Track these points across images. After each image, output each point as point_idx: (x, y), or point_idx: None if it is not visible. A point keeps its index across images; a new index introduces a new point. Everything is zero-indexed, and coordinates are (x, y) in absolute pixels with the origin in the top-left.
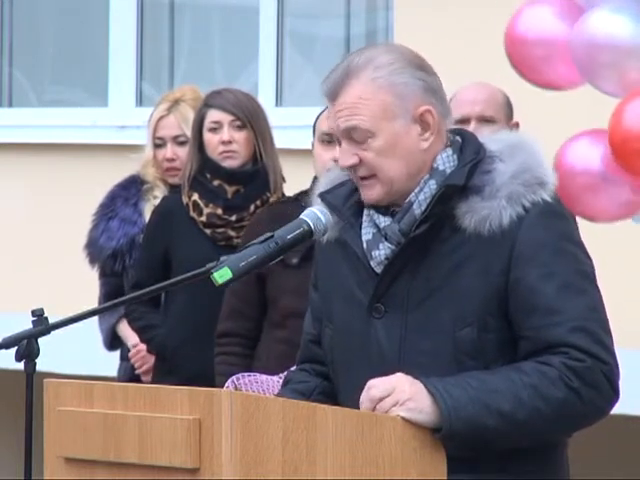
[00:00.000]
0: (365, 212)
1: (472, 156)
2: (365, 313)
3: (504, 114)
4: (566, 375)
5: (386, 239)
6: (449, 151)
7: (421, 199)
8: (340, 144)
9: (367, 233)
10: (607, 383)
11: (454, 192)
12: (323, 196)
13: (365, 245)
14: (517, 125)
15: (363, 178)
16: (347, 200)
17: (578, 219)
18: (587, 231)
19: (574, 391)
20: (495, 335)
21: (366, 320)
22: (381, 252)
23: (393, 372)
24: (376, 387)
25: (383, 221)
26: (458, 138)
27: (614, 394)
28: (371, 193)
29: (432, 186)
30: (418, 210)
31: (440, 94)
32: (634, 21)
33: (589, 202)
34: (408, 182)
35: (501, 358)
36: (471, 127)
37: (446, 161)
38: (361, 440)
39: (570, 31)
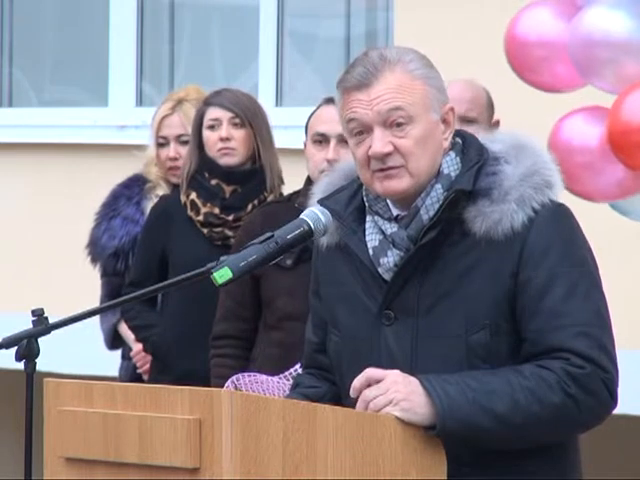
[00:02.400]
0: (368, 218)
1: (476, 158)
2: (373, 320)
3: (487, 115)
4: (564, 381)
5: (394, 246)
6: (452, 154)
7: (428, 204)
8: (359, 134)
9: (373, 240)
10: (606, 391)
11: (461, 196)
12: (322, 202)
13: (371, 252)
14: (498, 123)
15: (390, 168)
16: (348, 206)
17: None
18: (588, 231)
19: (571, 397)
20: (508, 338)
21: (375, 327)
22: (389, 259)
23: None
24: (370, 389)
25: (389, 227)
26: (458, 139)
27: (612, 402)
28: (397, 183)
29: (438, 190)
30: (426, 215)
31: None
32: (630, 17)
33: (588, 181)
34: (429, 178)
35: (512, 361)
36: None
37: (450, 164)
38: (361, 440)
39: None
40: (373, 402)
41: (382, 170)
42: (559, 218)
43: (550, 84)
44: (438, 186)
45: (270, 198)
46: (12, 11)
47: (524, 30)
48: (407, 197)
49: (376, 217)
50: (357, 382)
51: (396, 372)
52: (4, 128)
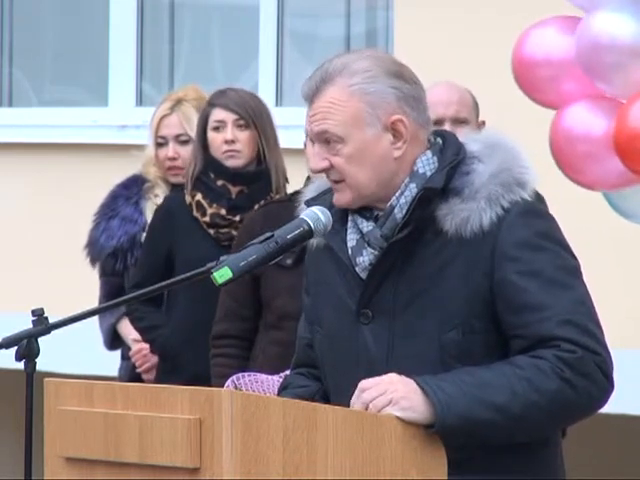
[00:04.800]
0: (350, 218)
1: (451, 158)
2: (353, 319)
3: (475, 115)
4: (558, 366)
5: (369, 245)
6: (429, 154)
7: (402, 203)
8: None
9: (351, 239)
10: (600, 373)
11: (434, 195)
12: (309, 203)
13: (350, 251)
14: (484, 124)
15: (335, 182)
16: (333, 206)
17: (579, 222)
18: (584, 231)
19: (567, 382)
20: (481, 337)
21: (354, 326)
22: (365, 258)
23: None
24: (368, 391)
25: (366, 226)
26: (439, 140)
27: (608, 384)
28: (341, 197)
29: (412, 189)
30: (399, 214)
31: (418, 103)
32: (636, 21)
33: (589, 170)
34: (378, 189)
35: (487, 360)
36: (445, 128)
37: (426, 164)
38: (361, 440)
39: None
40: (372, 403)
41: (332, 183)
42: (530, 215)
43: (557, 103)
44: (412, 185)
45: (276, 198)
46: (12, 11)
47: (531, 50)
48: (382, 197)
49: (355, 216)
50: (354, 399)
51: (392, 374)
52: (4, 128)
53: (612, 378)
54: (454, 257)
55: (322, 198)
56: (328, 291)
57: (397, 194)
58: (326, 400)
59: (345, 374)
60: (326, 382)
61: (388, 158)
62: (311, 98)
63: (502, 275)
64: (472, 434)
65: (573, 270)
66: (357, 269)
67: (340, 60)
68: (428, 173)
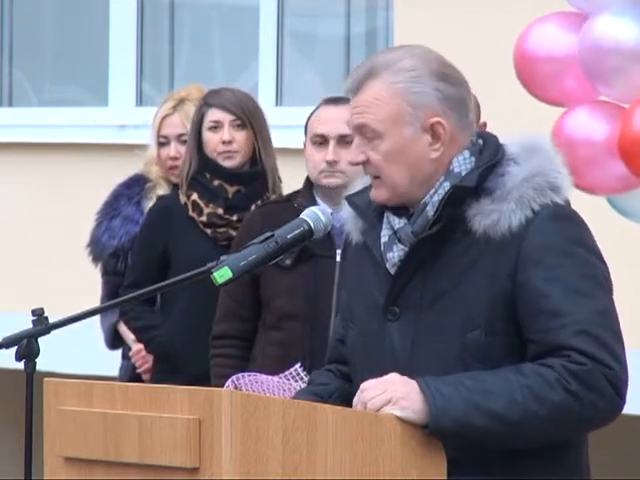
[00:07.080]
0: (385, 214)
1: (487, 158)
2: (381, 315)
3: (475, 116)
4: (564, 378)
5: (400, 241)
6: (466, 153)
7: (434, 201)
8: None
9: (384, 235)
10: (610, 388)
11: (466, 194)
12: (349, 198)
13: (382, 247)
14: (485, 126)
15: (373, 177)
16: (372, 203)
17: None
18: (594, 232)
19: (572, 394)
20: (502, 339)
21: (382, 322)
22: (395, 254)
23: (405, 375)
24: (367, 390)
25: (397, 223)
26: (479, 140)
27: (619, 399)
28: (379, 193)
29: (446, 188)
30: (431, 212)
31: (461, 106)
32: (638, 25)
33: (590, 175)
34: (414, 188)
35: (508, 362)
36: None
37: (462, 163)
38: (361, 440)
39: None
40: (371, 402)
41: (371, 177)
42: (559, 219)
43: (559, 100)
44: (446, 184)
45: (273, 198)
46: (12, 11)
47: (533, 46)
48: (420, 197)
49: (389, 213)
50: (355, 399)
51: (394, 374)
52: (4, 128)
53: (623, 393)
54: (480, 257)
55: (362, 195)
56: (362, 287)
57: (431, 192)
58: (345, 400)
59: (372, 370)
60: (354, 378)
61: (425, 159)
62: (354, 91)
63: (525, 278)
64: (467, 438)
65: (599, 279)
66: (387, 265)
67: (387, 55)
68: (463, 172)
